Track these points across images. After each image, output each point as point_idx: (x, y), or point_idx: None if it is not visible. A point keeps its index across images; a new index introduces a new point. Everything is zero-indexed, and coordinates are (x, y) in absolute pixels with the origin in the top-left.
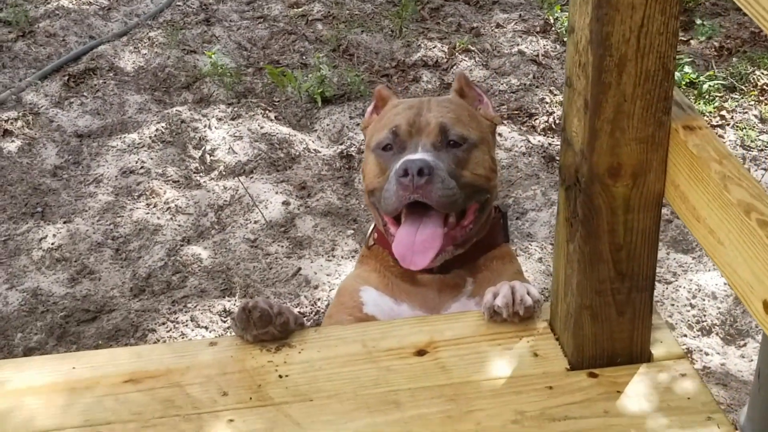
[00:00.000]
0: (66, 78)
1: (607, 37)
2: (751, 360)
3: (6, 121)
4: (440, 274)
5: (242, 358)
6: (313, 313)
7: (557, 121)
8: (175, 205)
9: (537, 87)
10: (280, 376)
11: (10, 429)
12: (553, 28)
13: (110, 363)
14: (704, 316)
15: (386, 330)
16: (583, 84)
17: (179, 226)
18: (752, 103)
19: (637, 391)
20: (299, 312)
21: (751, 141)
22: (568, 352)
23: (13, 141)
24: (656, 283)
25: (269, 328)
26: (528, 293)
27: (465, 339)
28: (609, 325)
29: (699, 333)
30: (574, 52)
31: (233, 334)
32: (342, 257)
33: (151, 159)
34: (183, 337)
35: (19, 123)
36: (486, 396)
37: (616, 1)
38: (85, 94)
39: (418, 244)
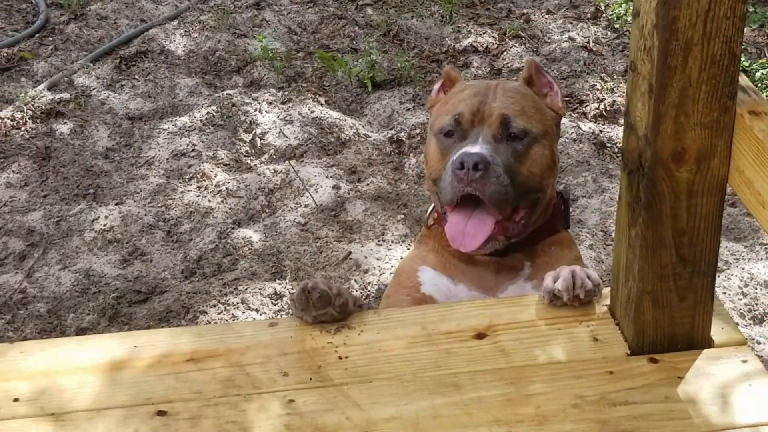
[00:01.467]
0: (117, 61)
1: (673, 21)
2: None
3: (58, 103)
4: (498, 257)
5: (302, 339)
6: (364, 297)
7: (608, 108)
8: (226, 188)
9: (588, 74)
10: (340, 358)
11: (73, 406)
12: (604, 15)
13: (171, 342)
14: (756, 304)
15: (446, 313)
16: (648, 68)
17: (230, 209)
18: None
19: (697, 377)
20: None
21: None
22: (628, 337)
23: (65, 123)
24: None
25: (328, 309)
26: (588, 277)
27: (524, 323)
28: (670, 311)
29: (751, 322)
30: (639, 36)
31: (289, 315)
32: (392, 242)
33: (202, 142)
34: (234, 320)
35: (71, 105)
36: (545, 380)
37: None
38: (136, 76)
39: (470, 226)
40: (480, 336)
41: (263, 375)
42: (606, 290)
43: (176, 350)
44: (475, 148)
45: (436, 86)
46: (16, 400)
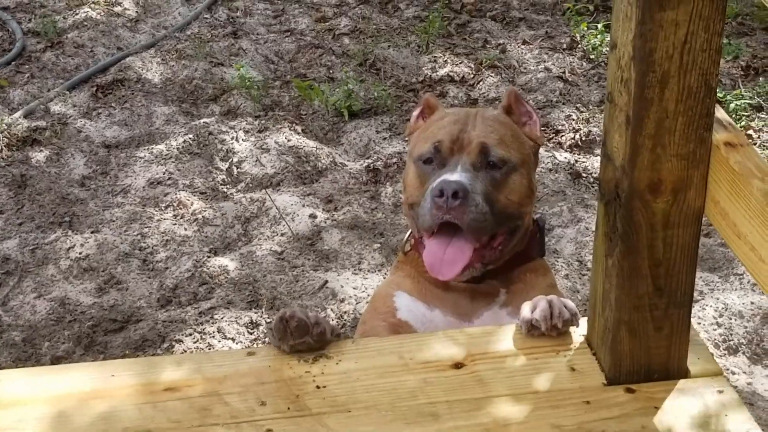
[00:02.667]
0: (94, 89)
1: (650, 54)
2: None
3: (35, 130)
4: (473, 283)
5: (280, 368)
6: (340, 326)
7: (583, 138)
8: (203, 217)
9: (563, 104)
10: (318, 387)
11: None
12: (579, 46)
13: (149, 371)
14: (731, 335)
15: (423, 342)
16: (625, 100)
17: (206, 237)
18: None
19: (674, 407)
20: None
21: None
22: (605, 367)
23: (41, 151)
24: None
25: (306, 338)
26: (565, 307)
27: (502, 352)
28: (646, 341)
29: (725, 352)
30: (616, 67)
31: (266, 344)
32: (368, 271)
33: (179, 170)
34: (210, 348)
35: (48, 133)
36: (523, 409)
37: (659, 18)
38: (113, 105)
39: (449, 255)
40: (458, 366)
41: (241, 404)
42: (583, 320)
43: (154, 379)
44: (454, 176)
45: (415, 113)
46: None
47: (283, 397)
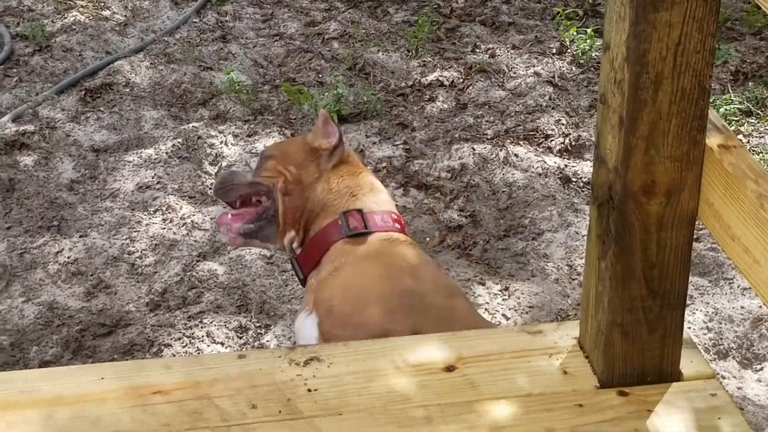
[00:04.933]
0: (82, 93)
1: (643, 54)
2: None
3: (23, 134)
4: None
5: (271, 371)
6: None
7: (573, 143)
8: (191, 221)
9: (553, 108)
10: (309, 390)
11: None
12: (569, 50)
13: (138, 374)
14: (721, 339)
15: (415, 345)
16: (619, 101)
17: (195, 241)
18: None
19: (667, 410)
20: None
21: None
22: (597, 370)
23: (29, 155)
24: None
25: None
26: None
27: (494, 355)
28: (640, 343)
29: (715, 356)
30: (610, 69)
31: (256, 348)
32: None
33: (168, 174)
34: (199, 353)
35: (36, 137)
36: (516, 413)
37: (653, 19)
38: (101, 108)
39: None
40: (449, 368)
41: (232, 407)
42: (575, 323)
43: (144, 382)
44: None
45: None
46: None
47: (274, 401)
